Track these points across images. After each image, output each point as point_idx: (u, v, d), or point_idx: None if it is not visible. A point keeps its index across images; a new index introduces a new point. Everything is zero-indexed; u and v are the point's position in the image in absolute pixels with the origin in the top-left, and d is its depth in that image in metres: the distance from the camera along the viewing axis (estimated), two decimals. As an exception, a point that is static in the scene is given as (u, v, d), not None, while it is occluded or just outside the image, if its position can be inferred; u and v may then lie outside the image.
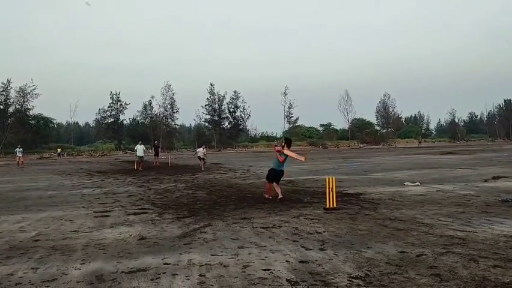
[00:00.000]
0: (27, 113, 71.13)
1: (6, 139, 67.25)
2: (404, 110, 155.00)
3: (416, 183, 13.33)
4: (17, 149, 37.73)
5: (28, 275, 4.90)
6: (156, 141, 38.77)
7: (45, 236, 7.06)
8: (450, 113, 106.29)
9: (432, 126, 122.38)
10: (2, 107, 70.64)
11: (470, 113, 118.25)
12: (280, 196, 10.54)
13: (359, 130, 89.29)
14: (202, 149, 26.39)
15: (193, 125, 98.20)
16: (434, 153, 36.47)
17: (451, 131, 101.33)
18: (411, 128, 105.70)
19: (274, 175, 11.03)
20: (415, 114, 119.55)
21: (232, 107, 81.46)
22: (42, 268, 5.15)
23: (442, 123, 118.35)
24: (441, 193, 11.10)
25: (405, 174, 17.08)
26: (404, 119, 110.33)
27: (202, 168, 24.17)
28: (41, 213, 9.46)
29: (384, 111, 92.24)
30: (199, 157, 25.66)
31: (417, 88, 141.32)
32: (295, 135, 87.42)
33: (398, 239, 6.11)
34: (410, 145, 74.77)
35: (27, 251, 6.06)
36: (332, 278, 4.48)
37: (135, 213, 9.09)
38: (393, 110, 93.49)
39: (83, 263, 5.31)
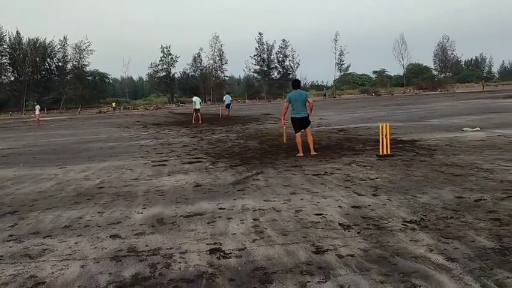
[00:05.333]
0: (84, 69, 73.97)
1: (67, 95, 70.73)
2: (464, 53, 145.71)
3: (476, 129, 12.72)
4: (36, 107, 36.46)
5: (95, 218, 5.27)
6: (230, 93, 38.23)
7: (108, 183, 7.51)
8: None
9: (495, 69, 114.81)
10: (60, 64, 73.87)
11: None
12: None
13: (415, 76, 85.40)
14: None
15: (242, 77, 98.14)
16: (496, 98, 34.39)
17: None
18: (472, 72, 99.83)
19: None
20: (476, 57, 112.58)
21: (281, 56, 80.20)
22: (108, 212, 5.51)
23: (506, 65, 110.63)
24: (503, 138, 10.55)
25: (464, 119, 16.31)
26: (463, 63, 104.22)
27: (199, 122, 23.43)
28: (103, 163, 10.02)
29: (443, 54, 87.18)
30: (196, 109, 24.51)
31: (479, 28, 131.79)
32: (346, 83, 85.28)
33: (455, 185, 5.94)
34: (469, 90, 70.84)
35: (93, 197, 6.48)
36: (386, 222, 4.47)
37: (190, 162, 9.40)
38: (452, 53, 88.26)
39: (145, 208, 5.63)
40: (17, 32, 70.35)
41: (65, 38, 72.11)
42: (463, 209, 4.79)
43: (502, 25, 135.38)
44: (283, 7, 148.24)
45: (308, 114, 9.68)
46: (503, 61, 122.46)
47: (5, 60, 70.02)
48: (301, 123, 9.64)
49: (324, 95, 70.16)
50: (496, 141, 10.02)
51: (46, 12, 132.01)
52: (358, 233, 4.20)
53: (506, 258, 3.38)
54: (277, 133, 15.15)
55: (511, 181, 5.97)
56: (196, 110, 24.43)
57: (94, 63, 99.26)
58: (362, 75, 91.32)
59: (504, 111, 19.39)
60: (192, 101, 25.96)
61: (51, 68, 74.56)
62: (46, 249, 4.22)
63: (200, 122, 23.52)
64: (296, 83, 10.12)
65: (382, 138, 8.80)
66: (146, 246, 4.15)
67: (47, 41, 71.67)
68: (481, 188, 5.70)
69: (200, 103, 25.39)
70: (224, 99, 31.10)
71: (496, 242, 3.73)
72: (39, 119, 34.62)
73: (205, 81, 76.14)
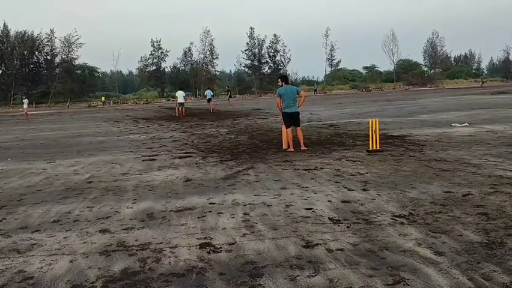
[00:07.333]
0: (73, 62, 73.04)
1: (55, 89, 69.92)
2: (454, 49, 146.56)
3: (464, 124, 12.85)
4: (24, 100, 36.73)
5: (84, 213, 5.24)
6: (228, 86, 41.93)
7: (97, 178, 7.45)
8: (504, 51, 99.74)
9: (484, 65, 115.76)
10: (49, 57, 72.89)
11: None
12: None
13: (405, 71, 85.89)
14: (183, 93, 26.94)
15: (233, 71, 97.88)
16: (485, 93, 34.74)
17: (504, 70, 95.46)
18: (461, 68, 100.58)
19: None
20: (465, 53, 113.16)
21: (272, 51, 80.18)
22: (97, 207, 5.48)
23: (495, 61, 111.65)
24: (491, 133, 10.67)
25: (453, 115, 16.45)
26: (453, 59, 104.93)
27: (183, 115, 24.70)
28: (93, 158, 9.95)
29: (432, 50, 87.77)
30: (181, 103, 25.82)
31: (468, 24, 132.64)
32: (337, 78, 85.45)
33: (444, 180, 6.00)
34: (459, 86, 71.44)
35: (82, 191, 6.44)
36: (375, 216, 4.51)
37: (180, 157, 9.37)
38: (441, 49, 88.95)
39: (135, 203, 5.60)
40: (4, 25, 69.39)
41: (51, 31, 71.14)
42: (451, 203, 4.84)
43: (491, 22, 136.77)
44: (275, 1, 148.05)
45: (299, 112, 9.82)
46: (491, 57, 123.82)
47: (-8, 53, 69.01)
48: (292, 119, 9.68)
49: (315, 90, 70.30)
50: (484, 137, 10.13)
51: (34, 3, 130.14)
52: (347, 227, 4.23)
53: (492, 252, 3.43)
54: (267, 128, 15.16)
55: (498, 176, 6.04)
56: (180, 104, 25.57)
57: (83, 56, 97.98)
58: (352, 70, 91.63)
59: (492, 107, 19.59)
60: (176, 96, 27.20)
61: (40, 61, 73.59)
62: (35, 244, 4.19)
63: (183, 115, 24.75)
64: (285, 78, 10.21)
65: (372, 133, 8.85)
66: (136, 240, 4.13)
67: (35, 34, 70.73)
68: (469, 183, 5.76)
69: (184, 97, 26.72)
70: (206, 94, 34.45)
71: (483, 236, 3.78)
72: (28, 113, 34.23)
73: (195, 75, 75.75)
